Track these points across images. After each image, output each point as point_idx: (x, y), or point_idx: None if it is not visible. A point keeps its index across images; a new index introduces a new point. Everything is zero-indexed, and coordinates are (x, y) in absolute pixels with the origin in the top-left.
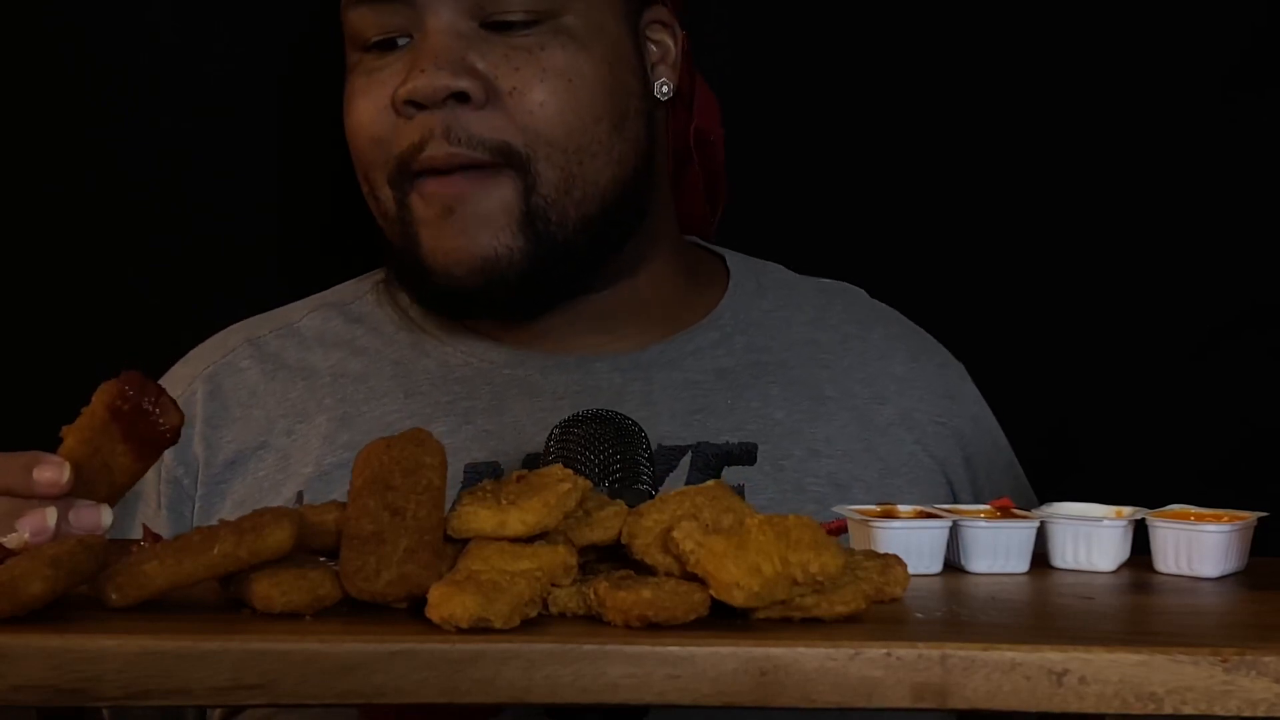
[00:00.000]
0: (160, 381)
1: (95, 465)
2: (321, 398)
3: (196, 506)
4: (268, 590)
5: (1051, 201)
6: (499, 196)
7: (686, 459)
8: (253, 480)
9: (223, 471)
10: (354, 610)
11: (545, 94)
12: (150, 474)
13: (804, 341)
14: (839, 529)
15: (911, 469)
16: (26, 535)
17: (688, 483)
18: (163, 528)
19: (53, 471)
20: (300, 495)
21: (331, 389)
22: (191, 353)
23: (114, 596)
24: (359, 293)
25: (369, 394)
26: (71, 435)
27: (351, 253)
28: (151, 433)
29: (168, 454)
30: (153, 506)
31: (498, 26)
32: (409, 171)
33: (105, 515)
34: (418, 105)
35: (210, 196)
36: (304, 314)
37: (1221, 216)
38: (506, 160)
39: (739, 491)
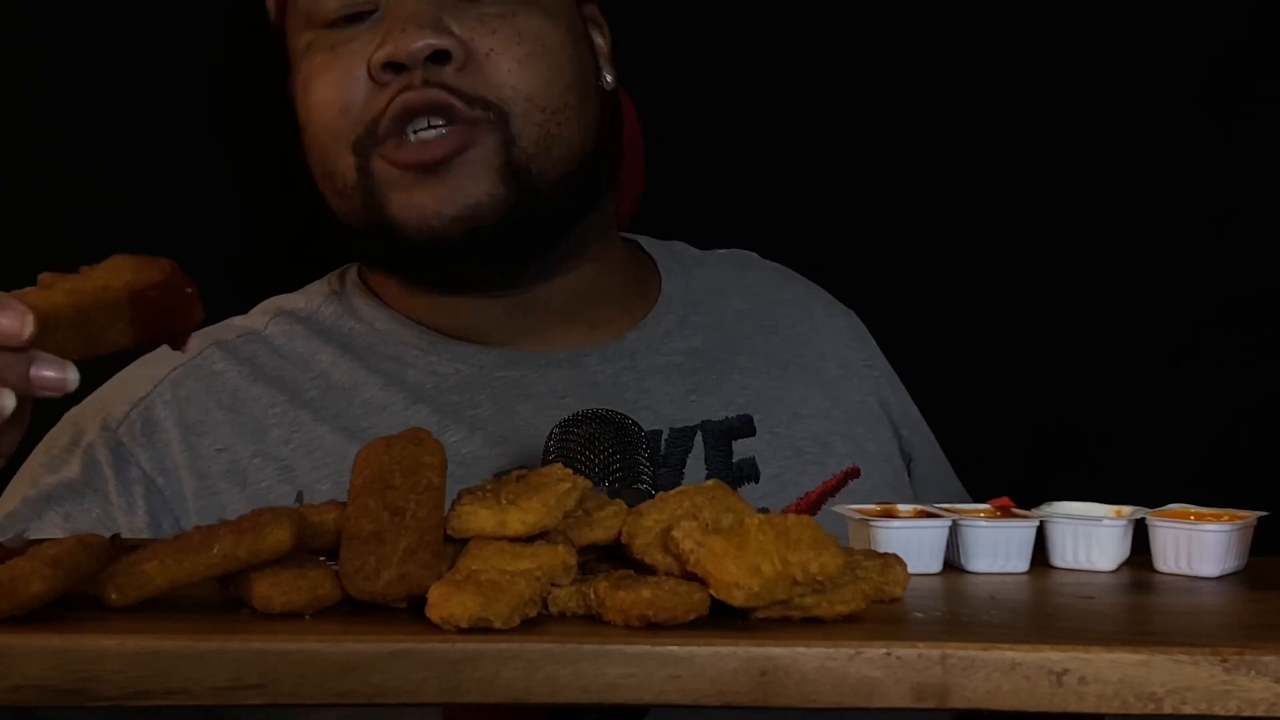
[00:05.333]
0: (117, 379)
1: (78, 328)
2: (316, 409)
3: (194, 521)
4: (267, 590)
5: (1042, 200)
6: (479, 150)
7: (698, 438)
8: (254, 491)
9: (218, 483)
10: (354, 610)
11: (522, 55)
12: (107, 467)
13: (743, 312)
14: (827, 492)
15: (865, 415)
16: (27, 534)
17: (705, 461)
18: (138, 530)
19: (13, 323)
20: (300, 495)
21: (323, 402)
22: (145, 357)
23: (114, 596)
24: (312, 305)
25: (366, 408)
26: (61, 291)
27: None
28: (168, 327)
29: (142, 454)
30: (126, 510)
31: None
32: (376, 137)
33: (71, 375)
34: (397, 68)
35: (165, 212)
36: (265, 322)
37: (1212, 209)
38: (485, 112)
39: (752, 465)
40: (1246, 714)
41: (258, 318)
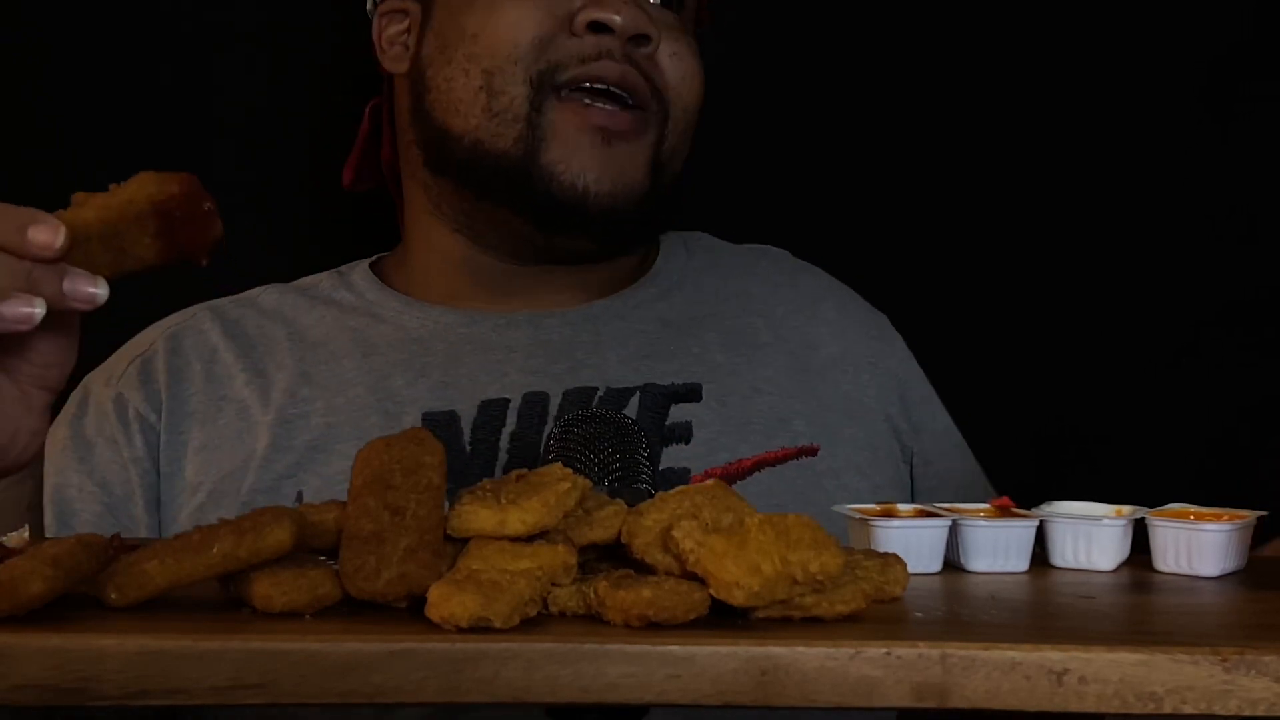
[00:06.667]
0: (125, 346)
1: (106, 242)
2: (281, 358)
3: (161, 454)
4: (268, 590)
5: (1042, 201)
6: (644, 140)
7: (635, 399)
8: (213, 427)
9: (184, 421)
10: (354, 610)
11: (694, 68)
12: (111, 415)
13: (737, 294)
14: (764, 462)
15: (849, 405)
16: (26, 535)
17: (636, 420)
18: (138, 460)
19: (47, 234)
20: (300, 495)
21: (290, 352)
22: (150, 326)
23: (114, 596)
24: (313, 281)
25: (329, 356)
26: (91, 208)
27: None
28: (191, 242)
29: (136, 396)
30: (125, 444)
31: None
32: (557, 81)
33: (101, 288)
34: (603, 30)
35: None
36: (262, 292)
37: (1212, 209)
38: (658, 106)
39: (685, 428)
40: (1246, 714)
41: (258, 290)
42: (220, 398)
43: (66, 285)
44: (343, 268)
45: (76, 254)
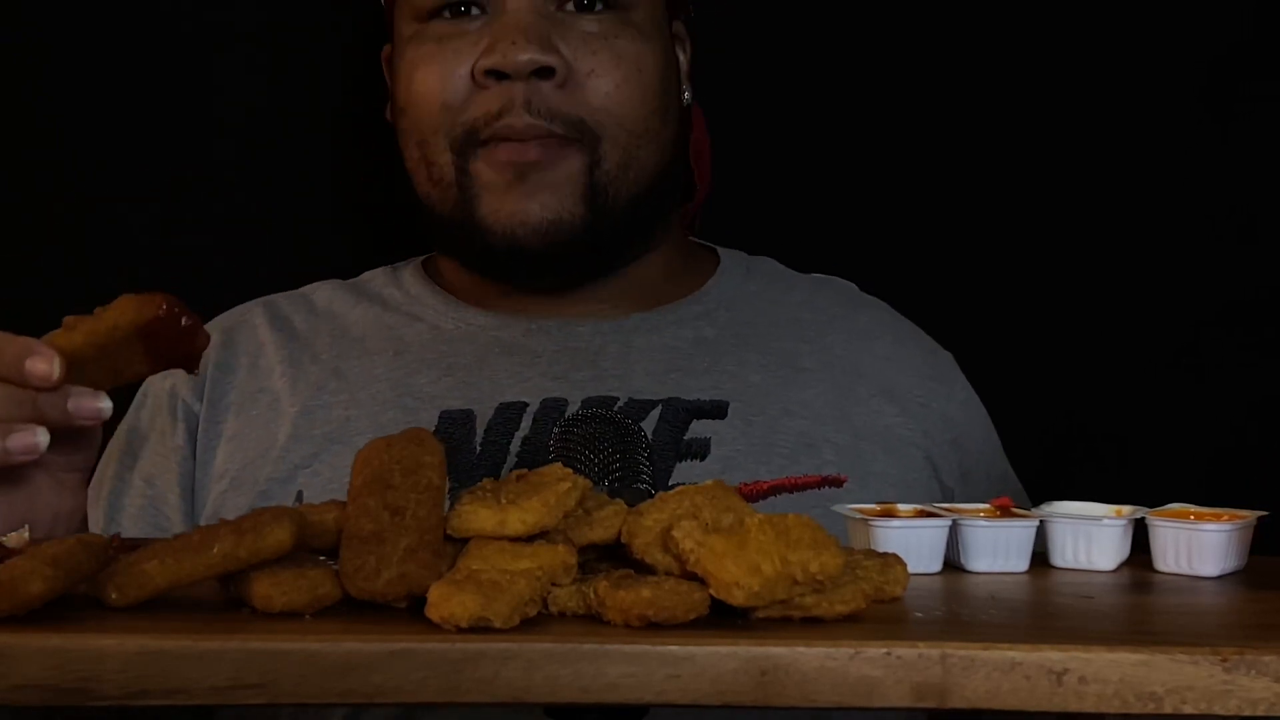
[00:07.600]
0: None
1: (99, 363)
2: (318, 352)
3: (198, 442)
4: (268, 590)
5: (1043, 201)
6: (567, 168)
7: (656, 411)
8: (246, 418)
9: (223, 413)
10: (354, 610)
11: (619, 79)
12: (164, 406)
13: (788, 320)
14: (783, 487)
15: (886, 439)
16: (26, 535)
17: (654, 433)
18: (178, 448)
19: (43, 365)
20: (300, 495)
21: (329, 347)
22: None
23: (114, 596)
24: (371, 277)
25: (362, 352)
26: (81, 333)
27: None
28: (177, 355)
29: (184, 387)
30: (169, 435)
31: (575, 7)
32: (476, 139)
33: (105, 404)
34: (500, 76)
35: (165, 213)
36: (317, 288)
37: (1212, 209)
38: (579, 135)
39: (703, 444)
40: (1246, 714)
41: (314, 286)
42: (258, 390)
43: (71, 405)
44: (398, 264)
45: (75, 374)
